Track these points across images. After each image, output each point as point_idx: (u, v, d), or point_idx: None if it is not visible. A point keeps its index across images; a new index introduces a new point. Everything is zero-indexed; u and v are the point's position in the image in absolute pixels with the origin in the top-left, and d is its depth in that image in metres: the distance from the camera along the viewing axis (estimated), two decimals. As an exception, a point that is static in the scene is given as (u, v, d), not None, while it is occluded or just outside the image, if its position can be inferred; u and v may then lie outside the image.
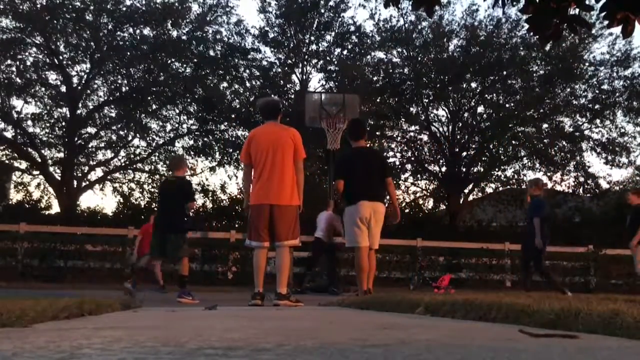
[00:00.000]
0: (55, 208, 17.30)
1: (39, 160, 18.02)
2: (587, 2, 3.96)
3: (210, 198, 18.14)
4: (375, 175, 5.88)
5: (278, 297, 5.10)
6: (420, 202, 20.07)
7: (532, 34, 4.37)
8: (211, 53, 18.23)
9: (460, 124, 19.15)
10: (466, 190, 19.51)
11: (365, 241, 5.80)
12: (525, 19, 4.15)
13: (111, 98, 18.48)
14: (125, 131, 19.08)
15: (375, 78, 17.98)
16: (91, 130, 18.81)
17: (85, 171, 19.18)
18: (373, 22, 18.68)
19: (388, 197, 6.32)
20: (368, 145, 6.22)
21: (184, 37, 18.01)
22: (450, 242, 14.07)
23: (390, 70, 18.12)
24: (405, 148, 19.74)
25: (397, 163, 19.94)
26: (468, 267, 14.07)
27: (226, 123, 18.73)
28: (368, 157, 6.04)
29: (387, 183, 6.01)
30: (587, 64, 17.73)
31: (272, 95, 18.02)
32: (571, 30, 4.00)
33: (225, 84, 18.63)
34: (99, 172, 19.56)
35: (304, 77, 18.62)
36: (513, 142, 18.84)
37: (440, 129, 19.36)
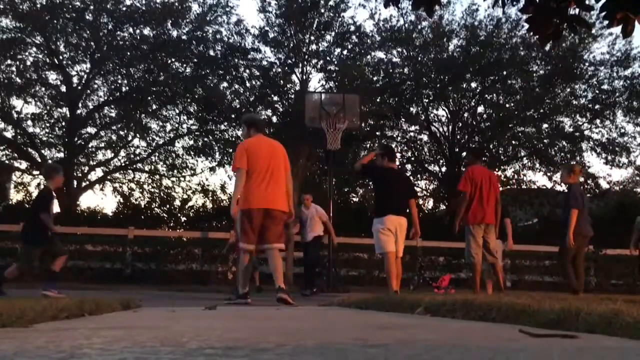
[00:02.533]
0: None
1: (39, 160, 18.02)
2: (587, 2, 3.96)
3: (210, 198, 18.14)
4: (403, 194, 6.78)
5: (281, 290, 5.43)
6: (420, 202, 20.08)
7: (532, 34, 4.37)
8: (211, 53, 18.22)
9: (460, 124, 19.15)
10: (466, 190, 19.47)
11: (393, 247, 6.61)
12: (525, 19, 4.14)
13: (111, 98, 18.47)
14: (125, 131, 19.09)
15: (375, 78, 17.97)
16: (91, 130, 18.83)
17: (85, 171, 19.19)
18: (373, 22, 18.68)
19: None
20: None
21: (184, 37, 18.00)
22: (450, 242, 14.05)
23: (390, 70, 18.12)
24: (405, 148, 19.74)
25: (397, 163, 19.93)
26: (468, 267, 14.03)
27: (226, 123, 18.71)
28: (398, 178, 7.02)
29: (411, 204, 6.93)
30: (587, 64, 17.72)
31: (272, 95, 18.10)
32: (571, 30, 4.00)
33: (225, 84, 18.62)
34: (99, 172, 19.57)
35: (304, 77, 18.60)
36: (513, 142, 18.84)
37: (440, 129, 19.37)
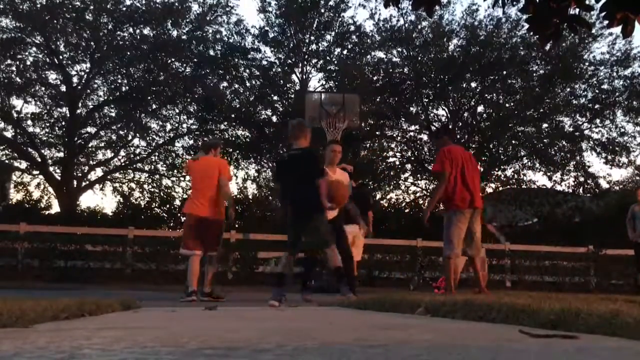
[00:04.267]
0: (55, 208, 17.29)
1: (39, 160, 18.03)
2: (587, 2, 3.95)
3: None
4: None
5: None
6: (420, 202, 20.05)
7: (532, 33, 4.37)
8: (211, 53, 18.24)
9: (460, 124, 19.14)
10: (466, 190, 19.48)
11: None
12: (525, 18, 4.14)
13: (111, 98, 18.48)
14: (125, 131, 19.09)
15: (375, 78, 17.97)
16: (91, 130, 18.85)
17: (85, 171, 19.19)
18: (373, 22, 18.72)
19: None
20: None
21: (184, 37, 18.01)
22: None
23: (390, 70, 18.12)
24: (405, 148, 19.74)
25: (397, 163, 19.93)
26: (468, 267, 14.00)
27: (226, 123, 18.72)
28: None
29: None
30: (587, 63, 17.73)
31: (272, 95, 18.12)
32: (571, 30, 4.00)
33: (225, 84, 18.64)
34: (98, 172, 19.57)
35: (304, 76, 18.62)
36: (513, 141, 18.83)
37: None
